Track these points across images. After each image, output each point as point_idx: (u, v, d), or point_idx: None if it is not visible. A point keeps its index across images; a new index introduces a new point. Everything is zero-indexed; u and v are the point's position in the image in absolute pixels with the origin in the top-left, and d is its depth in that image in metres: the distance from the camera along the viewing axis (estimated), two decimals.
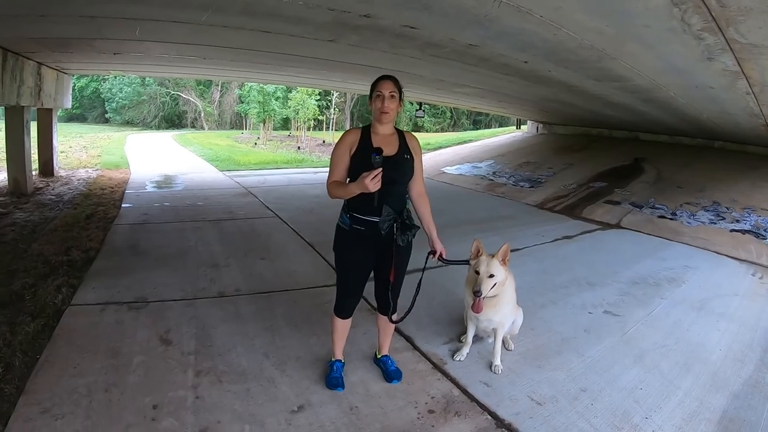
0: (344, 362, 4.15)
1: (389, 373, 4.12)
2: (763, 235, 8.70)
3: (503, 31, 6.22)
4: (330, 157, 3.75)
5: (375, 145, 3.50)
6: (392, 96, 3.54)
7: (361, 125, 3.80)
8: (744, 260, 8.05)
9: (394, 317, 3.88)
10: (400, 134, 3.74)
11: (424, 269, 3.86)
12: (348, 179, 3.64)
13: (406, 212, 3.68)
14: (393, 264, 3.69)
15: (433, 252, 3.84)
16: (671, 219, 10.02)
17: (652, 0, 4.47)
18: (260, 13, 6.35)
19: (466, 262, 4.14)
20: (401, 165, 3.62)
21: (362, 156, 3.49)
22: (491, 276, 3.98)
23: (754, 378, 4.38)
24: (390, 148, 3.56)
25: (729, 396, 4.08)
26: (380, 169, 3.27)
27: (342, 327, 4.00)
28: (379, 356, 4.29)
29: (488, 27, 6.05)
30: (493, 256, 4.04)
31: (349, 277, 3.82)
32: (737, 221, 9.37)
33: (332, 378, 3.96)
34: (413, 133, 3.91)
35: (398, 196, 3.63)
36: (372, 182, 3.24)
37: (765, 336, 5.27)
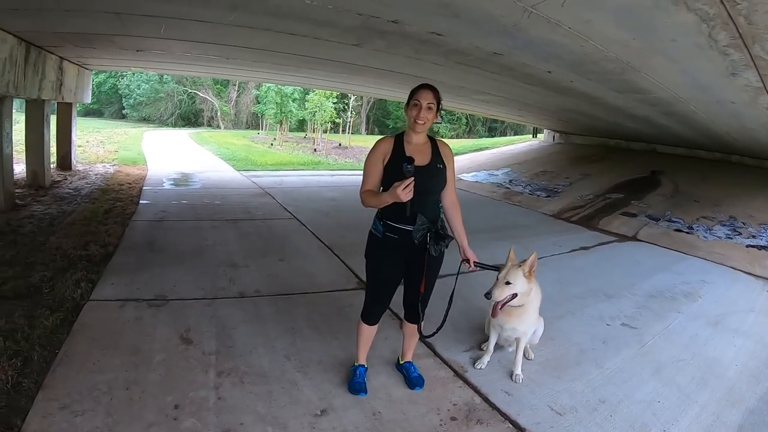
0: (367, 367, 4.15)
1: (412, 379, 4.13)
2: None
3: (530, 41, 6.23)
4: (362, 165, 3.74)
5: (408, 154, 3.50)
6: (429, 107, 3.52)
7: (391, 134, 3.78)
8: (760, 276, 7.99)
9: (422, 329, 3.87)
10: (433, 143, 3.73)
11: (456, 279, 3.84)
12: (381, 188, 3.63)
13: (440, 222, 3.67)
14: (424, 274, 3.69)
15: (466, 260, 3.85)
16: (687, 233, 9.97)
17: (682, 16, 4.48)
18: (288, 15, 6.38)
19: (497, 268, 4.11)
20: (433, 174, 3.61)
21: (395, 165, 3.47)
22: (508, 283, 3.98)
23: None
24: (422, 157, 3.57)
25: (745, 412, 4.08)
26: (412, 178, 3.26)
27: (368, 333, 4.01)
28: (401, 362, 4.29)
29: (515, 36, 6.06)
30: (520, 265, 4.04)
31: (379, 285, 3.82)
32: (753, 237, 9.31)
33: (355, 383, 3.96)
34: (446, 141, 3.91)
35: (432, 205, 3.63)
36: (404, 192, 3.23)
37: None
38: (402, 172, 3.30)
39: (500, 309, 4.04)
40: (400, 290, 3.95)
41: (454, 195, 3.90)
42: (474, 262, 3.85)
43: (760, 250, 8.82)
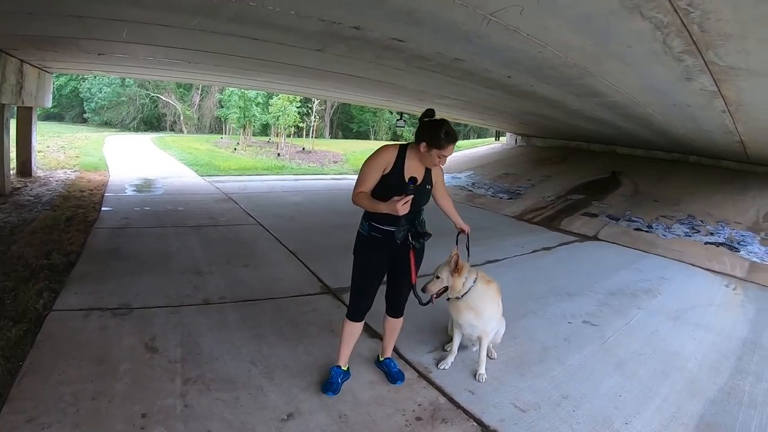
0: (348, 372, 4.22)
1: (392, 374, 4.27)
2: (736, 248, 8.89)
3: (490, 48, 6.30)
4: (361, 166, 3.87)
5: (407, 169, 3.77)
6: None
7: (400, 143, 3.94)
8: (718, 272, 8.26)
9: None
10: None
11: (457, 240, 4.33)
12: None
13: (419, 222, 3.86)
14: (413, 265, 3.89)
15: (462, 231, 4.24)
16: (647, 231, 10.21)
17: (637, 23, 4.58)
18: (251, 21, 6.34)
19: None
20: (422, 193, 3.87)
21: (393, 179, 3.74)
22: (438, 277, 4.26)
23: (729, 385, 4.56)
24: (418, 176, 3.81)
25: (705, 402, 4.24)
26: (412, 195, 3.58)
27: (354, 331, 4.08)
28: (381, 359, 4.42)
29: (476, 43, 6.12)
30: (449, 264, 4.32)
31: (366, 280, 3.95)
32: (711, 234, 9.56)
33: (328, 383, 4.02)
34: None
35: (414, 213, 3.80)
36: (403, 207, 3.52)
37: (739, 345, 5.47)
38: (398, 185, 3.67)
39: (435, 299, 4.25)
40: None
41: (445, 191, 4.27)
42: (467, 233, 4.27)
43: (717, 246, 9.08)
